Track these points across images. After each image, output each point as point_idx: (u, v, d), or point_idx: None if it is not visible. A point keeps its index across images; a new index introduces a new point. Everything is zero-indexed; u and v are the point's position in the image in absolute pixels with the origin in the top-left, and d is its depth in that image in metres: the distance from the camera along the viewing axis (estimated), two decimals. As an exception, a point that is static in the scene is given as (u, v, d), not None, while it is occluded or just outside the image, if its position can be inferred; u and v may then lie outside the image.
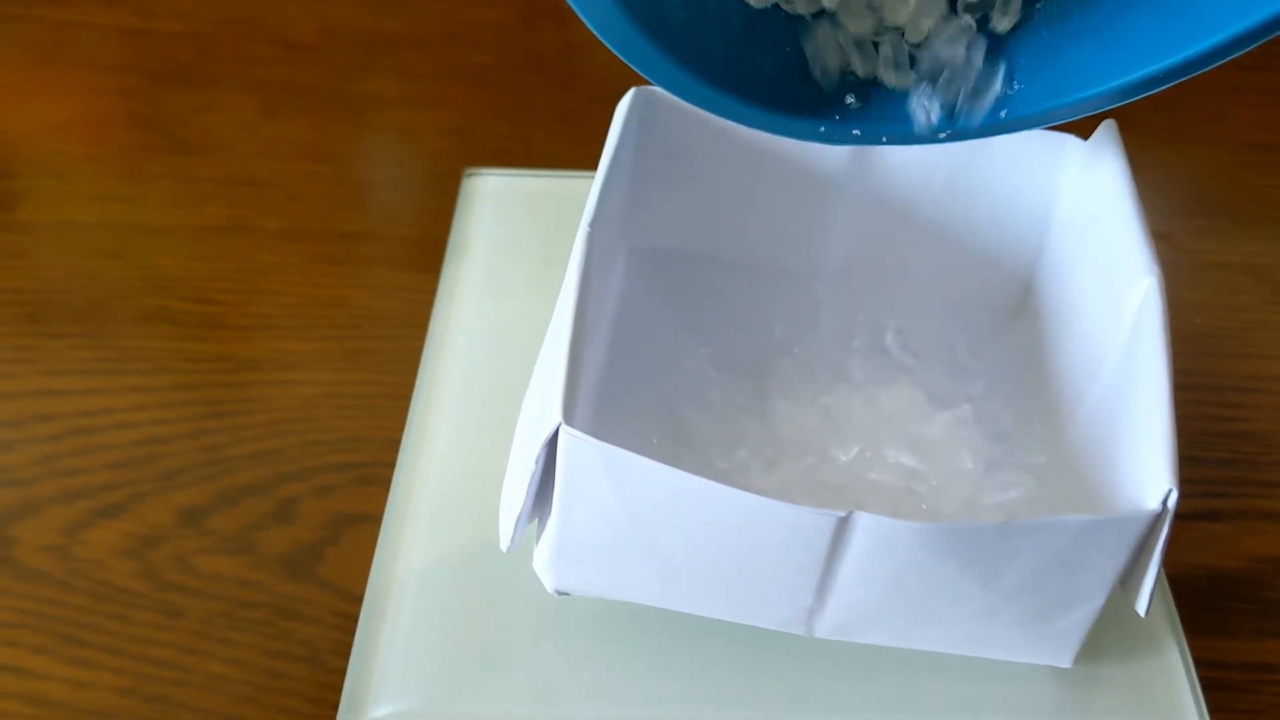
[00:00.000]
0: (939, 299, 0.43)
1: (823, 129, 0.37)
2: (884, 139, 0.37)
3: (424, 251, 0.54)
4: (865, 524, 0.30)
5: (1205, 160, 0.65)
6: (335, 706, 0.35)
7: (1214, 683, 0.40)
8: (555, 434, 0.31)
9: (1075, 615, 0.33)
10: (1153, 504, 0.30)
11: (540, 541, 0.34)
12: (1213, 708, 0.36)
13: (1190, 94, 0.69)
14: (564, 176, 0.52)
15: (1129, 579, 0.32)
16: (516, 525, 0.33)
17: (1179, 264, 0.57)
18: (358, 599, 0.38)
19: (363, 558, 0.40)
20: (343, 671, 0.36)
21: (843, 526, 0.30)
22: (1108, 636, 0.36)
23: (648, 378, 0.41)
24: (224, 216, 0.57)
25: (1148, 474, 0.31)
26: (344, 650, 0.37)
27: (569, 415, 0.31)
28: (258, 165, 0.60)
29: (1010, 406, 0.40)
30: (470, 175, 0.52)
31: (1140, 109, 0.67)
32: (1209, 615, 0.43)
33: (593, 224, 0.36)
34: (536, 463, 0.31)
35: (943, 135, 0.36)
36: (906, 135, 0.37)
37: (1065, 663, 0.35)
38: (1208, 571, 0.44)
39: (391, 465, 0.42)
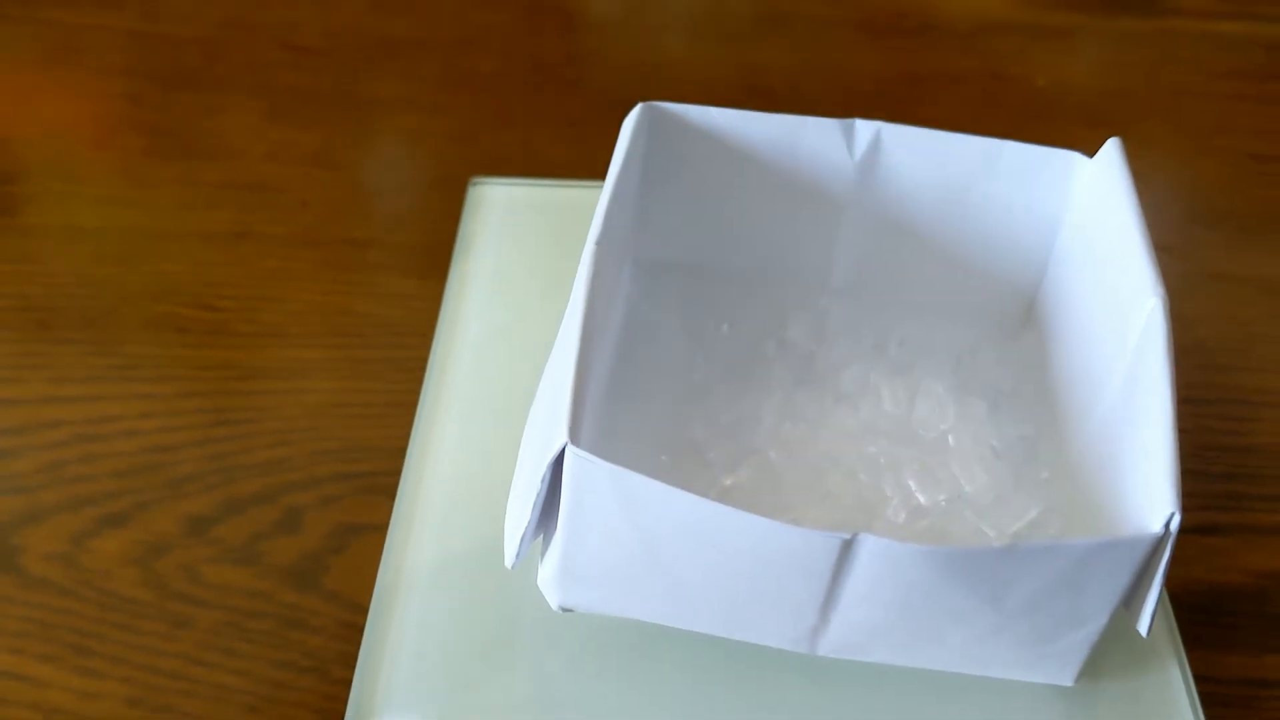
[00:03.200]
0: (945, 313, 0.44)
1: None
2: None
3: (430, 258, 0.54)
4: (870, 546, 0.30)
5: (1210, 171, 0.65)
6: (340, 717, 0.36)
7: (1213, 697, 0.40)
8: (561, 453, 0.31)
9: (1078, 635, 0.33)
10: (1155, 527, 0.31)
11: (545, 559, 0.34)
12: (1212, 723, 0.36)
13: (1196, 104, 0.69)
14: (570, 186, 0.52)
15: (1131, 599, 0.33)
16: (521, 543, 0.33)
17: (1183, 276, 0.57)
18: (363, 609, 0.38)
19: (368, 568, 0.40)
20: (348, 682, 0.37)
21: (847, 548, 0.30)
22: (1109, 654, 0.36)
23: (655, 390, 0.41)
24: (231, 222, 0.57)
25: (1151, 497, 0.31)
26: (349, 661, 0.38)
27: (575, 435, 0.31)
28: (265, 170, 0.61)
29: (1015, 422, 0.40)
30: (476, 184, 0.52)
31: (1146, 120, 0.67)
32: (1209, 629, 0.43)
33: (599, 241, 0.36)
34: (542, 481, 0.32)
35: None
36: None
37: (1068, 681, 0.35)
38: (1208, 586, 0.44)
39: (396, 475, 0.42)
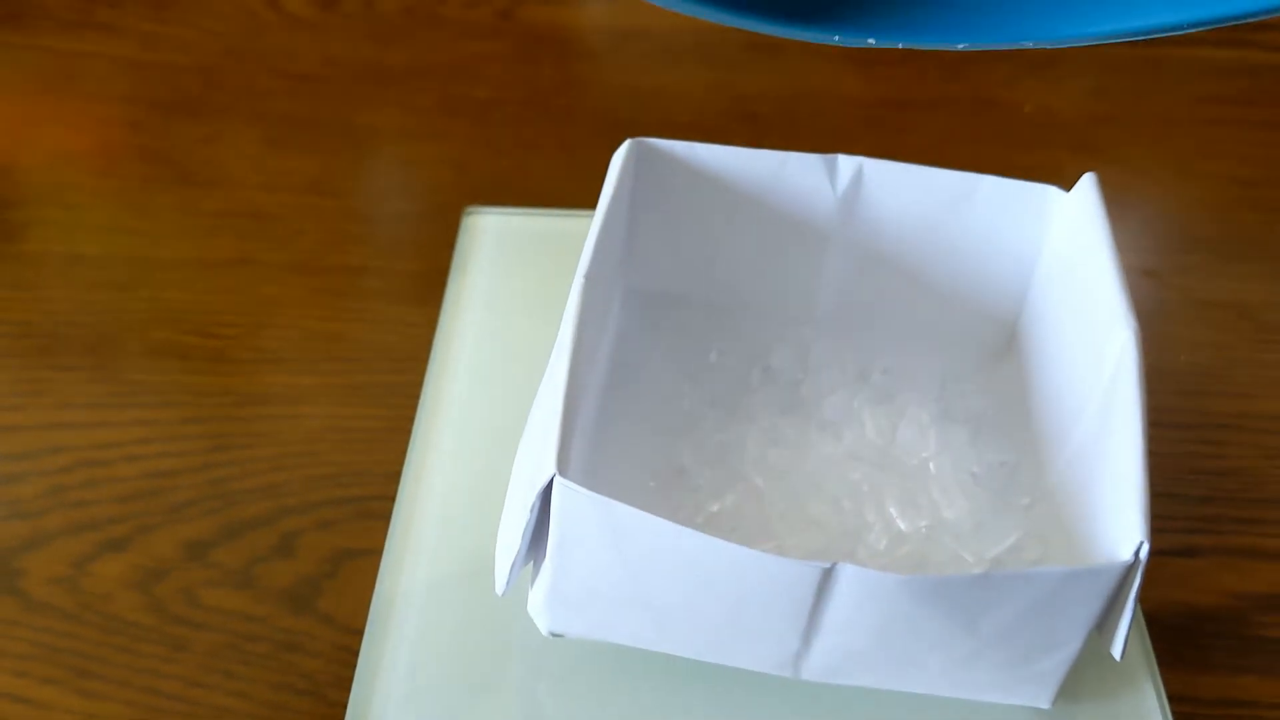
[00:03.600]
0: (927, 342, 0.45)
1: (837, 38, 0.37)
2: (900, 44, 0.37)
3: (425, 285, 0.55)
4: (849, 575, 0.31)
5: (1194, 196, 0.66)
6: (336, 740, 0.37)
7: (1189, 717, 0.41)
8: (550, 483, 0.32)
9: (1053, 659, 0.34)
10: (1125, 555, 0.32)
11: (535, 585, 0.35)
12: (1189, 743, 0.37)
13: (1181, 129, 0.70)
14: (562, 215, 0.53)
15: (1104, 623, 0.34)
16: (512, 570, 0.34)
17: (1166, 301, 0.58)
18: (358, 633, 0.39)
19: (363, 592, 0.41)
20: (343, 705, 0.37)
21: (827, 577, 0.31)
22: (1085, 676, 0.37)
23: (643, 418, 0.42)
24: (230, 249, 0.58)
25: (1122, 526, 0.32)
26: (344, 683, 0.38)
27: (563, 466, 0.32)
28: (263, 198, 0.62)
29: (996, 449, 0.41)
30: (470, 214, 0.53)
31: (1131, 145, 0.68)
32: (1186, 651, 0.44)
33: (588, 274, 0.37)
34: (531, 510, 0.32)
35: (961, 46, 0.36)
36: (923, 41, 0.36)
37: (1044, 704, 0.36)
38: (1186, 608, 0.45)
39: (391, 499, 0.43)
